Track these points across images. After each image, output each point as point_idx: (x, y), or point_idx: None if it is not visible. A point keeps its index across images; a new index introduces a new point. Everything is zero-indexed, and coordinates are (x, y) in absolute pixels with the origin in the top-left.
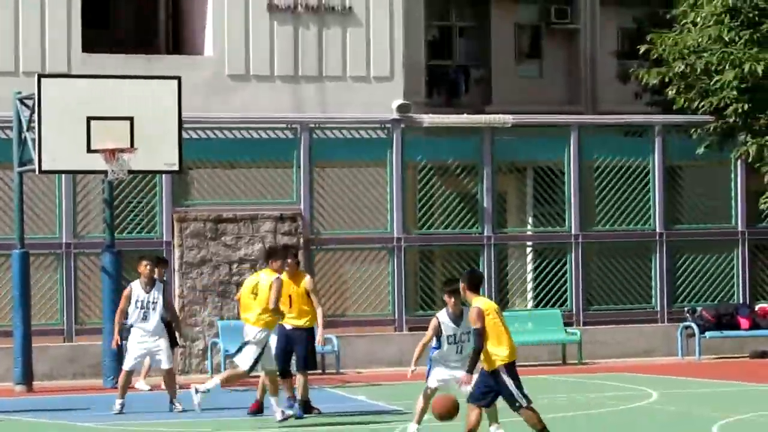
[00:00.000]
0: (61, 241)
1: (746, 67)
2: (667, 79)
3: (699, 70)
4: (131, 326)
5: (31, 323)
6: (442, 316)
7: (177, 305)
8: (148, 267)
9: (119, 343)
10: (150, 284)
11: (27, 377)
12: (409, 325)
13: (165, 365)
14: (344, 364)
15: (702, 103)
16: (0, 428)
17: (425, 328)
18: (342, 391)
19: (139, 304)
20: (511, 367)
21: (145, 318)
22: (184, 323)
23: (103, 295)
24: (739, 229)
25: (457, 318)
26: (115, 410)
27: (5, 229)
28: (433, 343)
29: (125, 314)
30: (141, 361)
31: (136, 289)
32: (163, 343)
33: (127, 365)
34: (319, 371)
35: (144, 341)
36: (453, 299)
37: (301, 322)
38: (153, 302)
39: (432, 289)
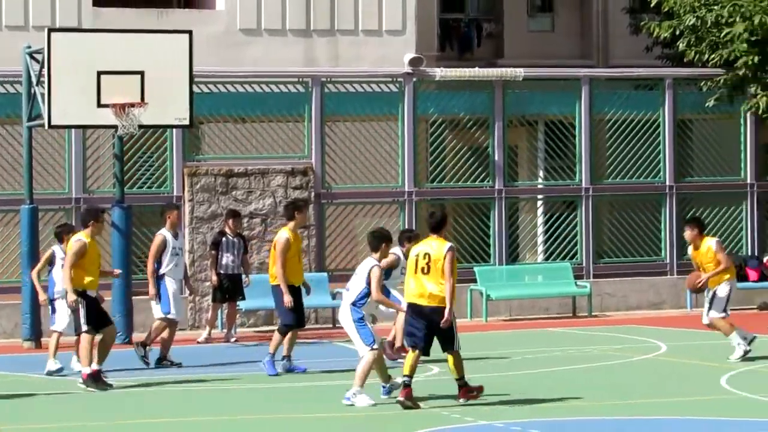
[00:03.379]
0: (70, 196)
1: (756, 19)
2: (677, 32)
3: (709, 22)
4: (163, 275)
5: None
6: None
7: (187, 260)
8: (176, 213)
9: (158, 294)
10: (176, 231)
11: (35, 334)
12: None
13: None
14: None
15: (712, 56)
16: (7, 385)
17: None
18: (353, 346)
19: (173, 251)
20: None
21: (176, 265)
22: (194, 278)
23: (112, 250)
24: (749, 181)
25: None
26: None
27: (14, 184)
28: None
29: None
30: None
31: (168, 237)
32: None
33: (176, 314)
34: (330, 325)
35: (177, 289)
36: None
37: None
38: (181, 248)
39: None
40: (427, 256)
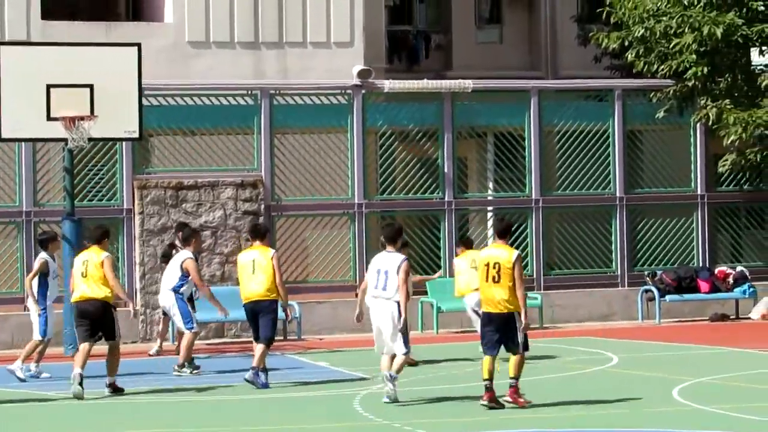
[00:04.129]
0: (21, 210)
1: (705, 30)
2: (626, 43)
3: (658, 33)
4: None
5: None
6: None
7: (137, 273)
8: (200, 238)
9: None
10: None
11: None
12: None
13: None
14: (306, 330)
15: (661, 67)
16: None
17: None
18: (304, 358)
19: None
20: None
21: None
22: (144, 291)
23: (63, 263)
24: (699, 192)
25: None
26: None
27: None
28: None
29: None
30: None
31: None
32: None
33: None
34: (281, 338)
35: None
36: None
37: None
38: None
39: None
40: (497, 266)
